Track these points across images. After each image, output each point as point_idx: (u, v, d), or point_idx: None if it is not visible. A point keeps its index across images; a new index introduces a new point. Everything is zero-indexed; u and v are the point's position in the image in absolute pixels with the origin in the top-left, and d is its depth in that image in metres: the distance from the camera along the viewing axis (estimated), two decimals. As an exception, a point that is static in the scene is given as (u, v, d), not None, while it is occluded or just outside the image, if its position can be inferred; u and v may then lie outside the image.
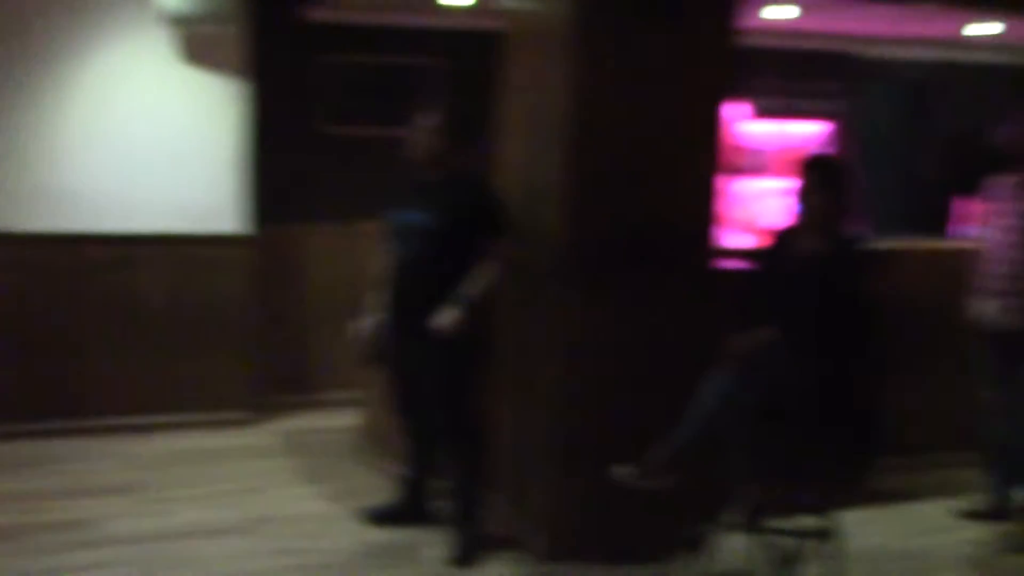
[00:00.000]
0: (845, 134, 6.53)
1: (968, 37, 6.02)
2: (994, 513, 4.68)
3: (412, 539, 4.18)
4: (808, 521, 3.71)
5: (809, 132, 6.49)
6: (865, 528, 4.41)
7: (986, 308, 4.49)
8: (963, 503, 4.79)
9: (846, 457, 3.76)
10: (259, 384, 5.75)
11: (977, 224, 4.71)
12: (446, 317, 3.80)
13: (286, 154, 6.10)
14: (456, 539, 4.02)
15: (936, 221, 6.09)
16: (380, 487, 4.60)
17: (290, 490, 4.74)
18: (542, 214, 4.06)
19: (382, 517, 4.32)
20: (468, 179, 4.03)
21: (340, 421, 5.57)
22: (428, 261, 3.91)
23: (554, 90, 3.99)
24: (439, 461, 4.21)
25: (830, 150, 6.42)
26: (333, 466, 5.06)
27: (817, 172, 3.76)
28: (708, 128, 4.05)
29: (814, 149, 6.25)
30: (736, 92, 5.73)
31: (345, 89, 6.28)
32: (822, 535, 3.69)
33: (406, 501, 4.34)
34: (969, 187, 4.76)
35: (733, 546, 3.80)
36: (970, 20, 5.45)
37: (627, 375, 4.02)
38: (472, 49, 5.95)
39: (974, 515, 4.71)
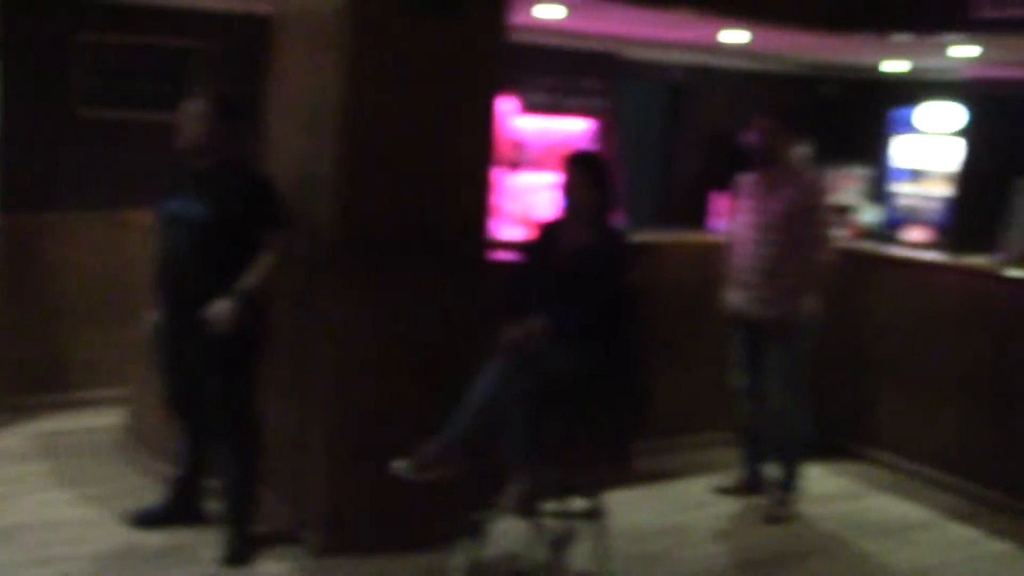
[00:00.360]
0: (608, 131, 6.80)
1: (721, 43, 6.40)
2: (747, 488, 5.04)
3: (184, 540, 4.04)
4: (579, 503, 3.87)
5: (574, 128, 6.70)
6: (631, 507, 4.64)
7: (735, 298, 4.81)
8: (719, 480, 5.13)
9: (612, 440, 3.95)
10: (11, 383, 5.38)
11: (725, 218, 5.04)
12: (220, 310, 3.69)
13: (39, 137, 5.71)
14: (230, 538, 3.93)
15: (694, 216, 6.47)
16: (148, 488, 4.41)
17: (48, 495, 4.46)
18: (317, 205, 4.02)
19: (151, 519, 4.15)
20: (242, 168, 3.92)
21: (102, 420, 5.29)
22: (200, 253, 3.77)
23: (326, 80, 3.96)
24: (212, 459, 4.09)
25: (594, 146, 6.66)
26: (95, 468, 4.80)
27: (582, 167, 3.91)
28: (482, 121, 4.13)
29: (579, 145, 6.47)
30: (506, 87, 5.87)
31: (106, 70, 5.94)
32: (591, 515, 3.86)
33: (176, 501, 4.19)
34: (723, 184, 5.07)
35: (510, 530, 3.91)
36: (721, 27, 5.79)
37: (404, 366, 4.05)
38: (242, 32, 5.78)
39: (729, 491, 5.06)
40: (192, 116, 3.85)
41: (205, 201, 3.77)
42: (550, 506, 3.85)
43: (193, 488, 4.20)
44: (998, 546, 4.68)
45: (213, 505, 4.15)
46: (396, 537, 4.08)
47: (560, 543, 3.80)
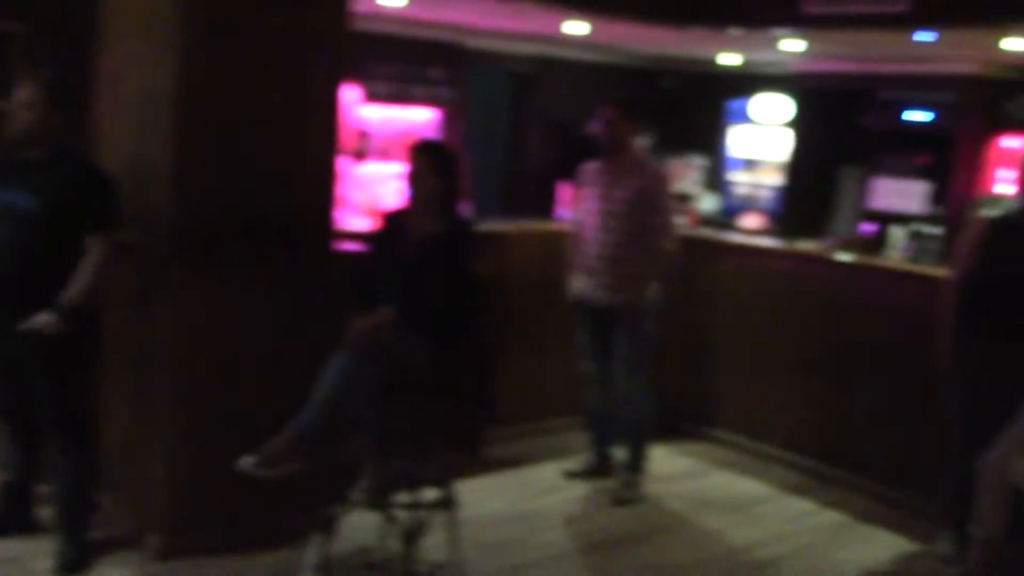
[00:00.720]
0: (454, 121, 6.79)
1: (565, 35, 6.48)
2: (596, 471, 5.14)
3: (15, 551, 3.82)
4: (430, 493, 3.86)
5: (420, 118, 6.67)
6: (482, 495, 4.67)
7: (581, 286, 4.89)
8: (569, 464, 5.20)
9: (463, 429, 3.95)
10: None
11: (571, 207, 5.12)
12: (42, 323, 3.49)
13: None
14: (64, 546, 3.74)
15: (541, 205, 6.53)
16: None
17: None
18: (154, 195, 3.86)
19: (-24, 530, 3.91)
20: (77, 159, 3.71)
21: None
22: (29, 247, 3.55)
23: (159, 67, 3.80)
24: (43, 463, 3.88)
25: (440, 136, 6.65)
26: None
27: (427, 156, 3.88)
28: (326, 110, 4.05)
29: (425, 134, 6.45)
30: (349, 75, 5.78)
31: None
32: (443, 505, 3.85)
33: (5, 509, 3.96)
34: (570, 173, 5.14)
35: (361, 524, 3.86)
36: (564, 19, 5.86)
37: (249, 361, 3.95)
38: (68, 15, 5.49)
39: (579, 474, 5.15)
40: (24, 103, 3.63)
41: (36, 193, 3.56)
42: (401, 498, 3.82)
43: (23, 495, 3.98)
44: (832, 516, 4.92)
45: (46, 512, 3.95)
46: (244, 537, 3.98)
47: (412, 534, 3.78)
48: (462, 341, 3.77)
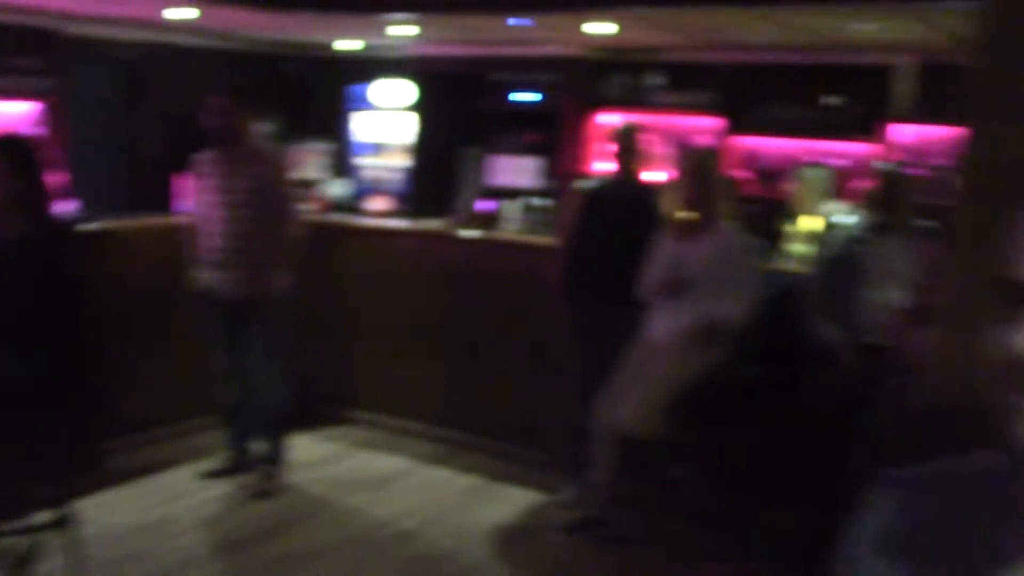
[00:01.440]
0: (56, 114, 6.32)
1: (171, 20, 6.21)
2: (235, 468, 5.02)
3: None
4: (44, 515, 3.60)
5: (13, 112, 6.14)
6: (108, 509, 4.43)
7: (208, 279, 4.75)
8: (206, 465, 5.05)
9: (74, 444, 3.72)
10: None
11: (190, 199, 4.95)
12: None
13: None
14: None
15: (159, 198, 6.24)
16: None
17: None
18: None
19: None
20: None
21: None
22: None
23: None
24: None
25: (40, 130, 6.16)
26: None
27: (4, 154, 3.59)
28: None
29: (20, 130, 5.95)
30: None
31: None
32: (59, 526, 3.61)
33: None
34: (184, 164, 4.96)
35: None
36: (166, 5, 5.63)
37: None
38: None
39: (217, 473, 5.01)
40: None
41: None
42: (9, 524, 3.54)
43: None
44: (468, 481, 5.15)
45: None
46: None
47: (24, 561, 3.52)
48: (60, 350, 3.53)
